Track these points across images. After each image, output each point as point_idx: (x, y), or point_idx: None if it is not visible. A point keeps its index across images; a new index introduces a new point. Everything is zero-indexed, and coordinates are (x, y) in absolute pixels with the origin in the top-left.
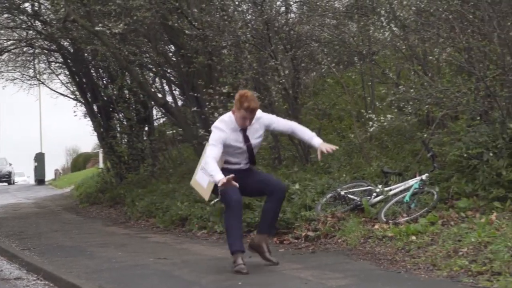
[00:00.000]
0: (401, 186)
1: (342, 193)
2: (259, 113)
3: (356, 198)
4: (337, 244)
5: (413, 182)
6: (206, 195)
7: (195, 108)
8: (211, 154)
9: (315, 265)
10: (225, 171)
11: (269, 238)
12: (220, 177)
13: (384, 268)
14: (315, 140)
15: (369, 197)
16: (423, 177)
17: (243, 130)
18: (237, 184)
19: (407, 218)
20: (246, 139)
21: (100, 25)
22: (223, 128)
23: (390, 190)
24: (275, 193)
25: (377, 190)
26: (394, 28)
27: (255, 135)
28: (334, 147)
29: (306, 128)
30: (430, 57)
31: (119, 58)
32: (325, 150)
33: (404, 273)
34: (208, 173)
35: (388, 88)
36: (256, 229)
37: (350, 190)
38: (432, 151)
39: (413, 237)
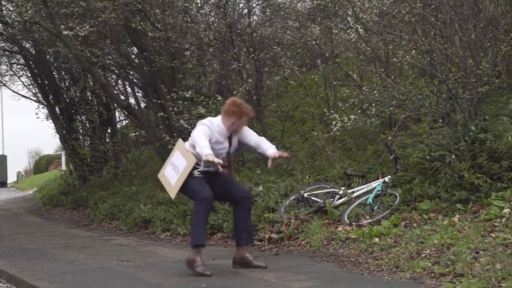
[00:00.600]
0: (364, 188)
1: (305, 195)
2: None
3: (319, 200)
4: (300, 246)
5: (376, 184)
6: (173, 193)
7: (161, 113)
8: (202, 134)
9: (278, 267)
10: (194, 170)
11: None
12: (208, 151)
13: (347, 270)
14: (270, 151)
15: (332, 199)
16: (386, 179)
17: (229, 138)
18: (221, 162)
19: (369, 220)
20: (230, 145)
21: (63, 27)
22: (211, 127)
23: (353, 192)
24: (242, 203)
25: (340, 192)
26: (360, 30)
27: (235, 143)
28: (285, 154)
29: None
30: (394, 59)
31: (82, 60)
32: (276, 155)
33: (367, 275)
34: (198, 146)
35: (350, 90)
36: (234, 241)
37: (313, 192)
38: (395, 153)
39: (376, 239)
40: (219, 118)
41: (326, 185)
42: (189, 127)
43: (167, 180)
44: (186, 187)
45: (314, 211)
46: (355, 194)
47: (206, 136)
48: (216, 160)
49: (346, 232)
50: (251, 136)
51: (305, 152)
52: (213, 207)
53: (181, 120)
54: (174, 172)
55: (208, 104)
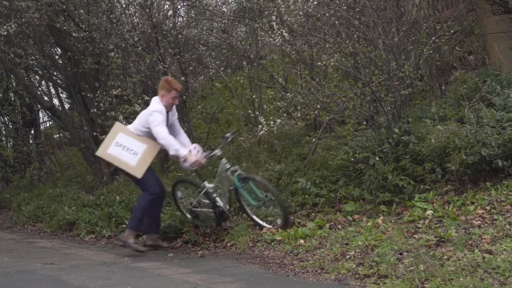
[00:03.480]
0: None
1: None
2: None
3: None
4: (226, 248)
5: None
6: (138, 172)
7: (94, 110)
8: (166, 132)
9: (204, 270)
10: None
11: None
12: (185, 152)
13: (272, 271)
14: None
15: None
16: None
17: (167, 113)
18: (203, 163)
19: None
20: (168, 120)
21: None
22: (163, 111)
23: None
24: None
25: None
26: (285, 34)
27: (174, 117)
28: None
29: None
30: (319, 63)
31: (4, 61)
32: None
33: (293, 277)
34: (173, 149)
35: (276, 92)
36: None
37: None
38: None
39: (301, 241)
40: (157, 100)
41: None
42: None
43: (119, 159)
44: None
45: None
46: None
47: (165, 127)
48: (194, 158)
49: (272, 234)
50: (176, 123)
51: (230, 154)
52: None
53: (120, 116)
54: (128, 153)
55: (137, 102)
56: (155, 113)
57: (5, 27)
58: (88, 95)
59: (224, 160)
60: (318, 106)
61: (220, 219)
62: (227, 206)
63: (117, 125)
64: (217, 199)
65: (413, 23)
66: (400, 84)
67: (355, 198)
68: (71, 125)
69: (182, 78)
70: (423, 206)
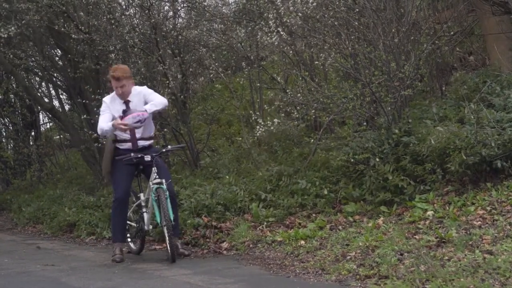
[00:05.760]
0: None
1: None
2: (140, 88)
3: None
4: (226, 250)
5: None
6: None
7: (84, 116)
8: (101, 121)
9: (204, 271)
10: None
11: None
12: (110, 125)
13: (273, 272)
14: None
15: None
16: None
17: (126, 104)
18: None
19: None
20: (126, 111)
21: None
22: (106, 100)
23: None
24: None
25: None
26: (282, 33)
27: (137, 109)
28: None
29: (162, 103)
30: (316, 62)
31: (4, 62)
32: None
33: (293, 278)
34: (105, 130)
35: (276, 93)
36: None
37: None
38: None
39: (302, 242)
40: None
41: None
42: None
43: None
44: (111, 174)
45: None
46: None
47: (106, 110)
48: (116, 122)
49: (272, 235)
50: (153, 97)
51: (231, 155)
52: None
53: None
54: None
55: None
56: (102, 103)
57: (2, 30)
58: (88, 102)
59: (154, 169)
60: (315, 105)
61: (137, 237)
62: (150, 226)
63: None
64: (144, 215)
65: (413, 24)
66: (400, 84)
67: (356, 199)
68: (71, 127)
69: (172, 78)
70: (423, 207)
